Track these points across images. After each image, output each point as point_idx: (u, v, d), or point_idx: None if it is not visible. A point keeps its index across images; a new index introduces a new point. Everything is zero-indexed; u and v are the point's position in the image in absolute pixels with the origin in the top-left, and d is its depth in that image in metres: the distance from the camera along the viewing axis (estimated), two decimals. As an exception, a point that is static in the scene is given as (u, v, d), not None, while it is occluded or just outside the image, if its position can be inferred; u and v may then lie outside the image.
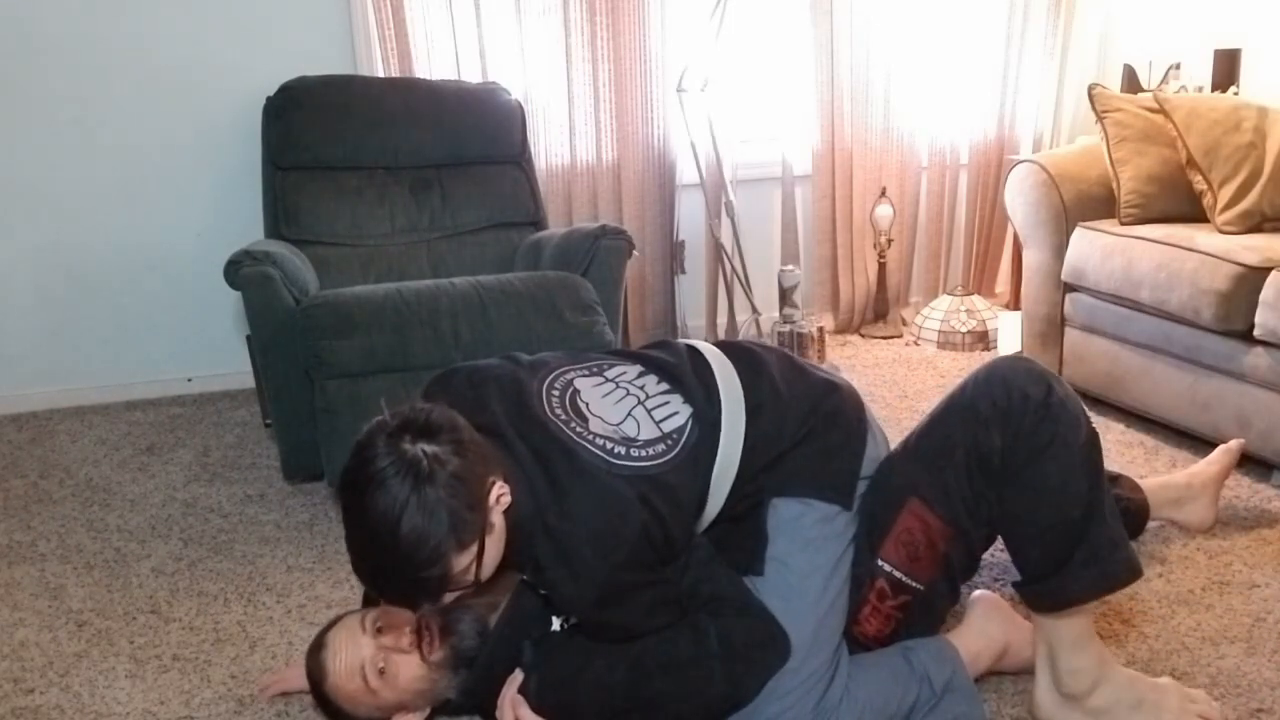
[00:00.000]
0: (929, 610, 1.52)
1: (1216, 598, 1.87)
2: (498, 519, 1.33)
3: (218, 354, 3.34)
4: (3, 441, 2.96)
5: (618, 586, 1.36)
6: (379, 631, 1.45)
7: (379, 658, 1.43)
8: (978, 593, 1.66)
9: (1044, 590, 1.43)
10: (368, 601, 1.67)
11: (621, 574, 1.35)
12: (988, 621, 1.60)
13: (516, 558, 1.38)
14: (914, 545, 1.46)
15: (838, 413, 1.54)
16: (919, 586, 1.47)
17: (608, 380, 1.52)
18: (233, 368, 3.33)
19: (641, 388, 1.51)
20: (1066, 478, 1.39)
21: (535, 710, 1.42)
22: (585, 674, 1.41)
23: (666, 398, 1.50)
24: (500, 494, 1.32)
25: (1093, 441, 1.42)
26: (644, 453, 1.41)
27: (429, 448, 1.26)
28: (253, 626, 1.92)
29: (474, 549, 1.29)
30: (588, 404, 1.47)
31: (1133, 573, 1.42)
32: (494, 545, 1.33)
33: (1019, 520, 1.43)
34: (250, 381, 3.12)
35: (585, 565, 1.33)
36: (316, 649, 1.50)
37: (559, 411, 1.44)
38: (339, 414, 2.28)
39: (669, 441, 1.43)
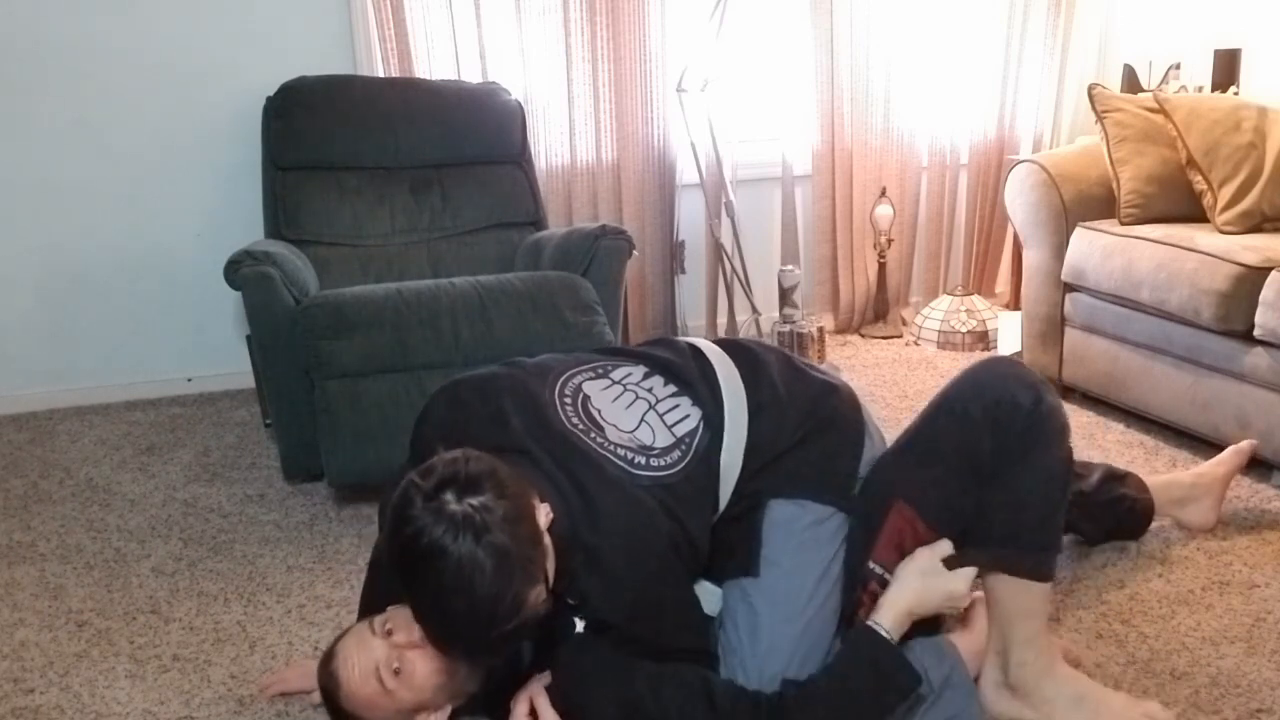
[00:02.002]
0: None
1: (1216, 598, 1.87)
2: (548, 539, 1.30)
3: (218, 354, 3.34)
4: (3, 441, 2.96)
5: (650, 598, 1.35)
6: (389, 633, 1.42)
7: (393, 656, 1.39)
8: (976, 593, 1.66)
9: (977, 556, 1.47)
10: (364, 613, 1.66)
11: (654, 585, 1.35)
12: (986, 621, 1.60)
13: (557, 567, 1.36)
14: (902, 547, 1.47)
15: (836, 414, 1.54)
16: None
17: (615, 383, 1.50)
18: (233, 368, 3.33)
19: (650, 390, 1.50)
20: (1044, 484, 1.44)
21: (555, 708, 1.40)
22: (612, 696, 1.38)
23: (676, 400, 1.49)
24: (547, 514, 1.30)
25: (1069, 456, 1.47)
26: (661, 461, 1.40)
27: (475, 501, 1.21)
28: (253, 626, 1.92)
29: (542, 578, 1.26)
30: (600, 410, 1.45)
31: (1047, 574, 1.47)
32: (550, 565, 1.30)
33: (988, 519, 1.46)
34: (250, 381, 3.12)
35: (619, 576, 1.32)
36: (326, 660, 1.46)
37: (575, 421, 1.42)
38: (339, 414, 2.28)
39: (683, 447, 1.43)
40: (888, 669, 1.39)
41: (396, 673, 1.39)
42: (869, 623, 1.42)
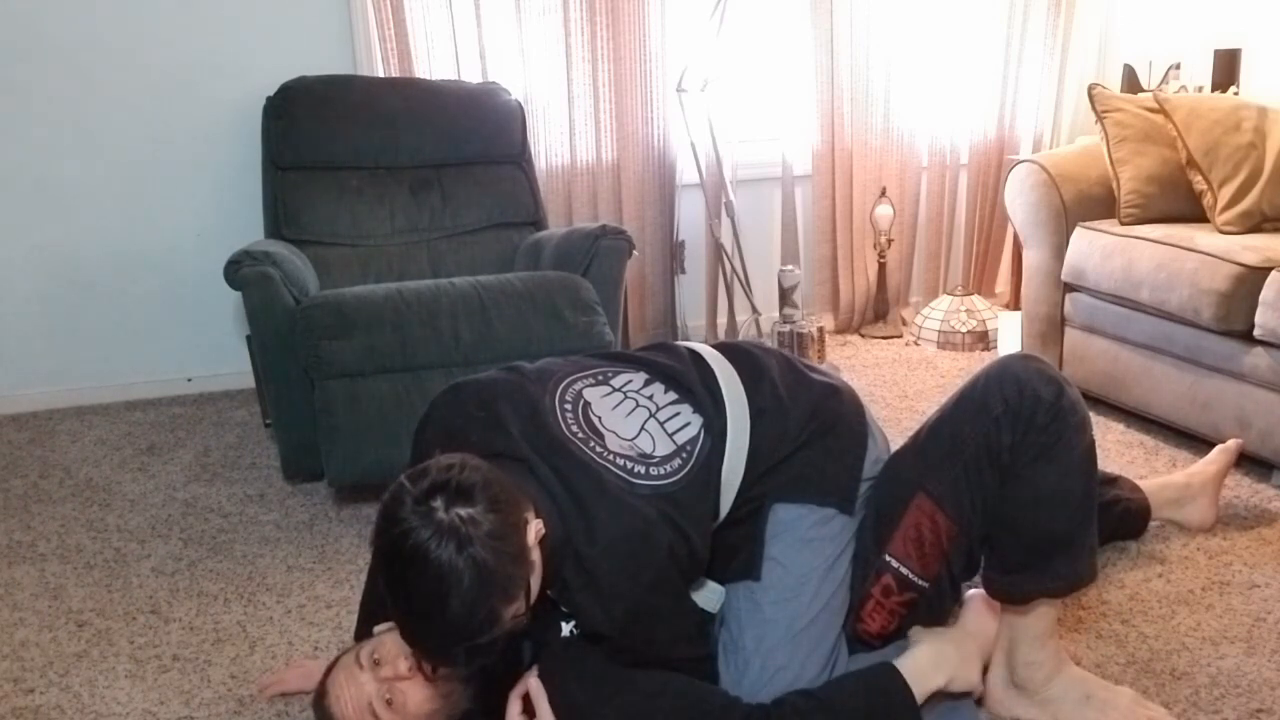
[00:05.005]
0: (932, 609, 1.52)
1: (1216, 598, 1.87)
2: (536, 554, 1.29)
3: (218, 354, 3.34)
4: (3, 441, 2.96)
5: (645, 610, 1.35)
6: (376, 664, 1.41)
7: (383, 690, 1.39)
8: (972, 592, 1.66)
9: (1016, 582, 1.47)
10: (364, 615, 1.65)
11: (649, 597, 1.34)
12: (983, 620, 1.60)
13: (545, 580, 1.36)
14: (921, 541, 1.46)
15: (838, 416, 1.53)
16: (925, 584, 1.47)
17: (615, 390, 1.50)
18: (233, 368, 3.33)
19: (650, 398, 1.49)
20: (1067, 481, 1.42)
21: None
22: (609, 703, 1.38)
23: (677, 408, 1.48)
24: (537, 531, 1.29)
25: (1092, 447, 1.45)
26: (661, 470, 1.39)
27: (463, 511, 1.20)
28: (253, 626, 1.92)
29: (522, 596, 1.26)
30: (600, 418, 1.44)
31: (1094, 575, 1.48)
32: (535, 580, 1.30)
33: (1012, 517, 1.45)
34: (250, 381, 3.12)
35: (613, 589, 1.32)
36: (319, 698, 1.45)
37: (575, 429, 1.41)
38: (339, 414, 2.28)
39: (684, 455, 1.42)
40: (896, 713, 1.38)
41: (389, 704, 1.38)
42: (894, 663, 1.41)
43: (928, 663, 1.43)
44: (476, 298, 2.36)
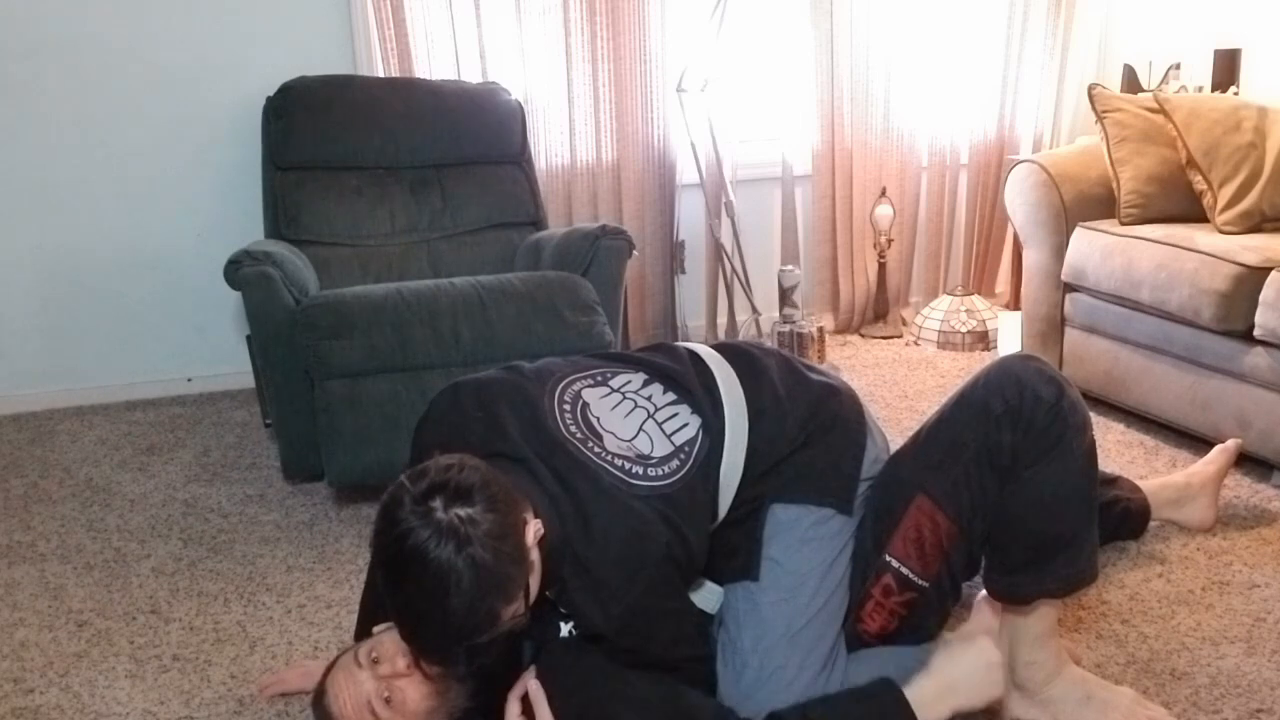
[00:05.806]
0: (932, 609, 1.52)
1: (1216, 598, 1.87)
2: (535, 555, 1.29)
3: (218, 354, 3.34)
4: (3, 441, 2.96)
5: (643, 610, 1.35)
6: (375, 662, 1.41)
7: (382, 688, 1.39)
8: (982, 593, 1.66)
9: (1016, 583, 1.47)
10: (364, 616, 1.65)
11: (647, 598, 1.34)
12: (993, 621, 1.60)
13: (543, 580, 1.36)
14: (921, 542, 1.46)
15: (837, 416, 1.53)
16: (925, 584, 1.47)
17: (614, 391, 1.50)
18: (233, 368, 3.33)
19: (649, 399, 1.49)
20: (1067, 482, 1.42)
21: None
22: (608, 704, 1.38)
23: (675, 409, 1.48)
24: (536, 531, 1.29)
25: (1093, 447, 1.45)
26: (659, 471, 1.39)
27: (462, 511, 1.20)
28: (253, 626, 1.92)
29: (521, 596, 1.26)
30: (598, 418, 1.44)
31: (1095, 575, 1.48)
32: (535, 580, 1.30)
33: (1012, 518, 1.45)
34: (250, 381, 3.12)
35: (611, 590, 1.32)
36: (319, 697, 1.46)
37: (574, 430, 1.41)
38: (339, 414, 2.28)
39: (682, 456, 1.42)
40: None
41: (388, 701, 1.38)
42: (902, 689, 1.40)
43: (933, 693, 1.41)
44: (476, 298, 2.36)
